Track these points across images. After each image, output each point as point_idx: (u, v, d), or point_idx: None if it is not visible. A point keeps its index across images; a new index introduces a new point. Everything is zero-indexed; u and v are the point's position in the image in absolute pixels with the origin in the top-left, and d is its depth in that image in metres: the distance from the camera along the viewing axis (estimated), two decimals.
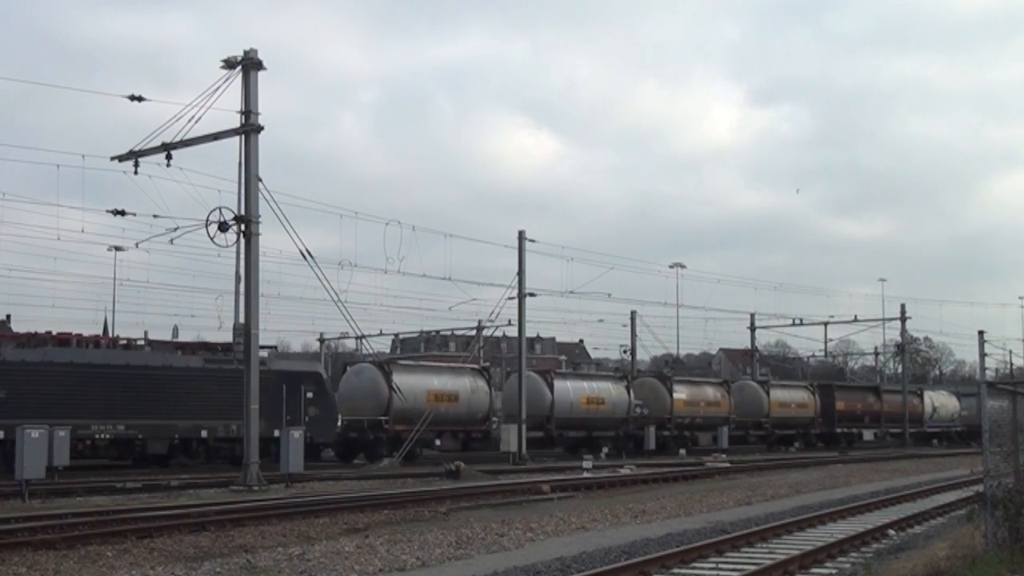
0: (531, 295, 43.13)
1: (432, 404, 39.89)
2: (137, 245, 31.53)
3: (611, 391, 48.90)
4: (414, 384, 39.96)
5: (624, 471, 33.77)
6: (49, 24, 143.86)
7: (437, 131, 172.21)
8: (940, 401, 70.55)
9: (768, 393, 57.84)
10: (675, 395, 51.37)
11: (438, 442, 41.07)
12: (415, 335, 71.34)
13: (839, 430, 61.31)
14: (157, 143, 27.88)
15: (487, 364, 50.82)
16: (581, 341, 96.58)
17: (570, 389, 46.86)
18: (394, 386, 38.60)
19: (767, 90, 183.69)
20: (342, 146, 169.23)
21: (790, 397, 59.96)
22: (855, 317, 67.99)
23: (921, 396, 69.07)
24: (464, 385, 42.29)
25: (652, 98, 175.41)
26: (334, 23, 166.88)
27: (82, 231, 32.18)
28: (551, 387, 45.59)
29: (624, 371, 57.91)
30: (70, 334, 32.26)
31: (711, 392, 55.04)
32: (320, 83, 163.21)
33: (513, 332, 46.71)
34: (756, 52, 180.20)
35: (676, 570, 13.69)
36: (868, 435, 63.31)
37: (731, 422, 54.05)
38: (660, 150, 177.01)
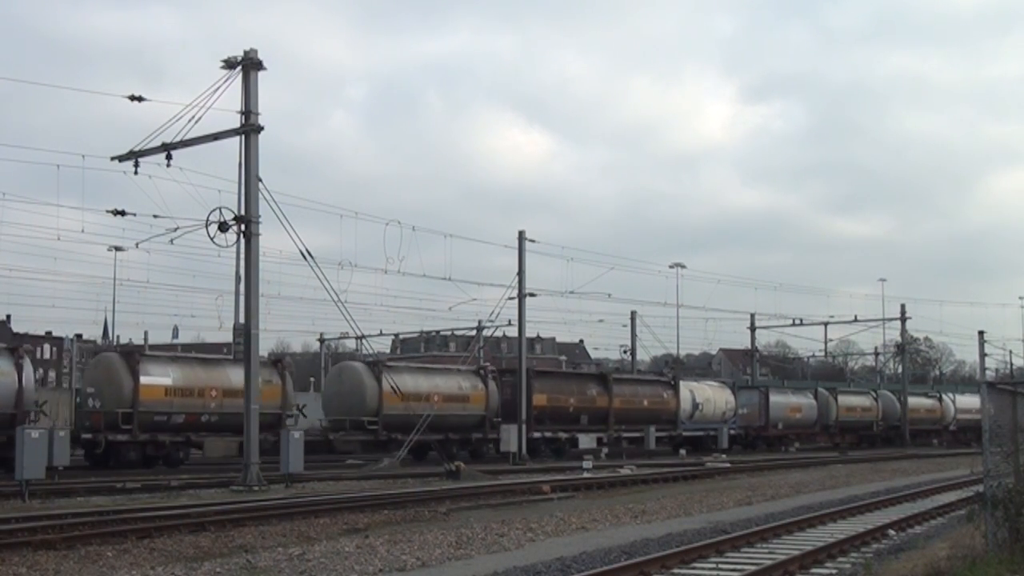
0: (531, 295, 43.13)
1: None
2: (137, 245, 31.63)
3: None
4: None
5: (624, 471, 33.77)
6: (30, 20, 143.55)
7: (428, 128, 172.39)
8: (705, 395, 54.08)
9: (379, 380, 38.38)
10: (145, 379, 33.11)
11: None
12: (415, 335, 71.46)
13: (538, 434, 42.55)
14: (157, 143, 27.90)
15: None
16: (581, 341, 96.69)
17: None
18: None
19: (759, 86, 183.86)
20: (332, 144, 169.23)
21: (431, 386, 40.22)
22: (855, 317, 68.21)
23: (675, 388, 51.80)
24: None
25: (644, 95, 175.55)
26: (320, 17, 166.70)
27: (82, 231, 32.40)
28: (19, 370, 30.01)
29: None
30: None
31: (234, 378, 33.10)
32: (308, 79, 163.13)
33: (513, 332, 46.72)
34: (748, 47, 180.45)
35: (676, 570, 13.68)
36: (587, 441, 44.32)
37: (286, 418, 36.73)
38: (653, 148, 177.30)
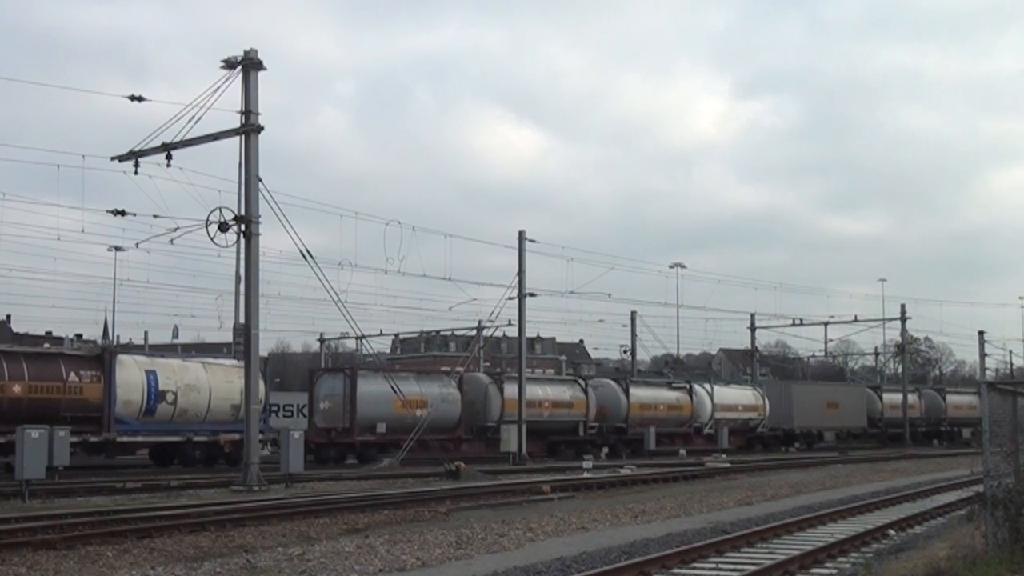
0: (531, 295, 43.11)
1: None
2: (137, 245, 31.59)
3: None
4: None
5: (624, 471, 33.78)
6: (10, 14, 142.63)
7: (419, 125, 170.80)
8: (187, 379, 33.61)
9: None
10: None
11: None
12: (415, 335, 71.56)
13: None
14: (157, 143, 27.89)
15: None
16: (581, 341, 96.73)
17: None
18: None
19: (752, 82, 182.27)
20: (323, 141, 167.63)
21: None
22: (855, 317, 68.20)
23: (104, 364, 31.11)
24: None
25: (637, 91, 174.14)
26: (306, 12, 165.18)
27: (82, 231, 32.48)
28: None
29: None
30: None
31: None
32: (295, 75, 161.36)
33: (513, 332, 46.72)
34: (741, 42, 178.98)
35: (676, 570, 13.68)
36: None
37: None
38: (647, 145, 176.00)
